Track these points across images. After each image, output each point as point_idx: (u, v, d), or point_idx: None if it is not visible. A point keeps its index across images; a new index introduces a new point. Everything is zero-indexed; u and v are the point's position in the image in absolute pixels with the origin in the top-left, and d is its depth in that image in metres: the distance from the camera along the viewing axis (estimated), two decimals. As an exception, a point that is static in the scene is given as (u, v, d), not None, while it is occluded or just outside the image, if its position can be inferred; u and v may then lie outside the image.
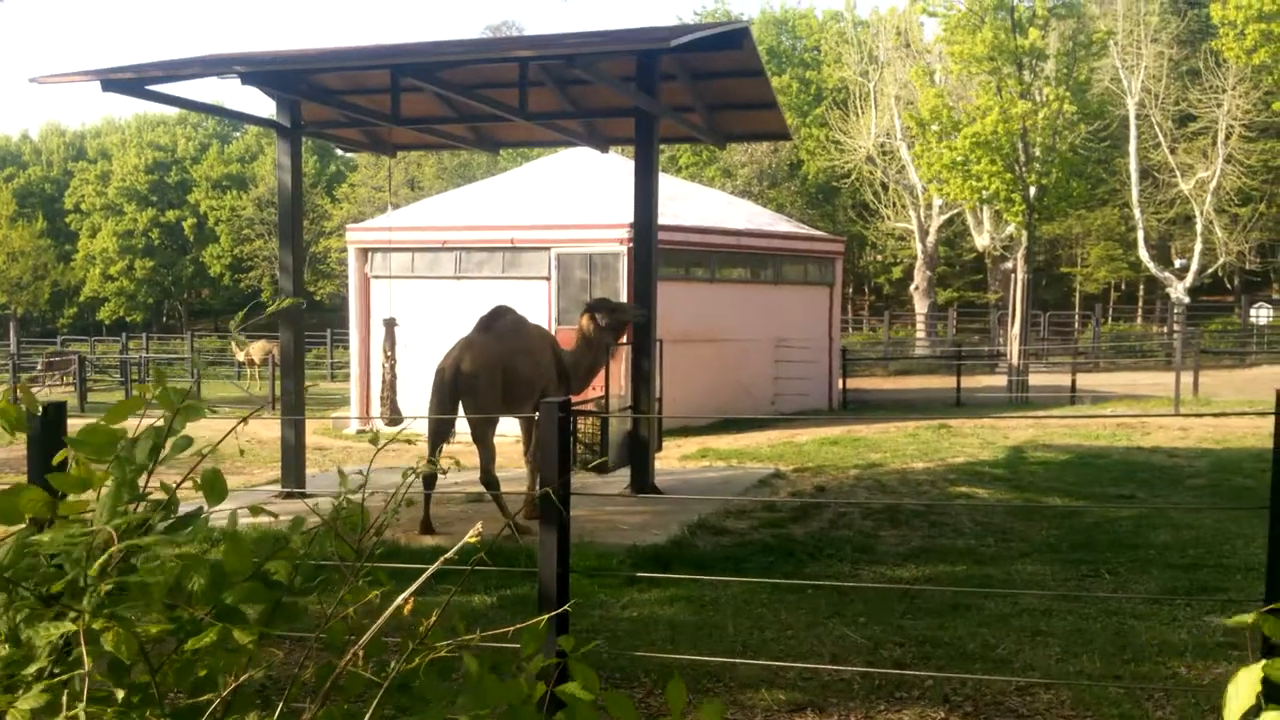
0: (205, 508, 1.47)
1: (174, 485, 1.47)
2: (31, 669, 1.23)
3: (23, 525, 1.39)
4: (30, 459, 3.50)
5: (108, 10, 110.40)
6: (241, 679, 1.32)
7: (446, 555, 1.49)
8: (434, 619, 1.39)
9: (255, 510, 1.57)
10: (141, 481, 1.44)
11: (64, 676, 1.24)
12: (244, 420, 1.76)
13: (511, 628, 1.49)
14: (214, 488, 1.45)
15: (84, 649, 1.20)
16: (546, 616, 1.55)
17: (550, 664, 1.50)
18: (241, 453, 12.37)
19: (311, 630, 1.47)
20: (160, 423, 1.47)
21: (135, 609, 1.28)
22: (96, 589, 1.25)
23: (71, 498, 1.41)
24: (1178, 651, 5.17)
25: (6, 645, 1.26)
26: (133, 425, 1.52)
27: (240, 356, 30.63)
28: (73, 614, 1.25)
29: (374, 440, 1.73)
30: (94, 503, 1.41)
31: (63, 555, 1.30)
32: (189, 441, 1.47)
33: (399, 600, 1.39)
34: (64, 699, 1.19)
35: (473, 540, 1.48)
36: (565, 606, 3.16)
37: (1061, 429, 14.82)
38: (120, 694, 1.28)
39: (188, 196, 55.62)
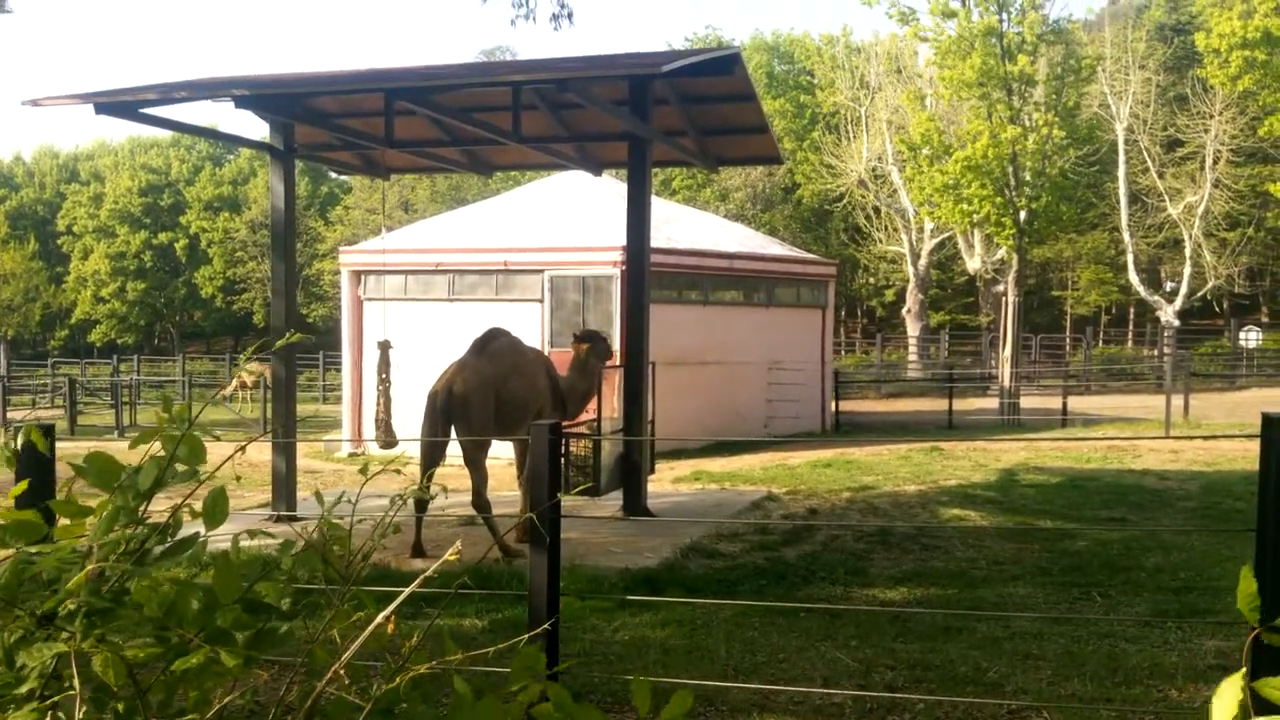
0: (202, 531, 1.48)
1: (175, 507, 1.48)
2: (23, 689, 1.23)
3: (17, 548, 1.40)
4: (18, 482, 3.49)
5: (101, 32, 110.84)
6: (225, 701, 1.33)
7: (425, 575, 1.50)
8: (415, 640, 1.39)
9: (253, 534, 1.58)
10: (142, 506, 1.45)
11: (55, 699, 1.25)
12: (241, 448, 1.77)
13: (492, 648, 1.50)
14: (214, 512, 1.46)
15: (74, 670, 1.21)
16: (533, 632, 1.55)
17: (537, 689, 1.50)
18: (238, 479, 12.32)
19: (297, 654, 1.48)
20: (162, 451, 1.48)
21: (126, 631, 1.29)
22: (111, 613, 1.25)
23: (66, 522, 1.42)
24: (1169, 674, 5.18)
25: (1, 666, 1.27)
26: (118, 447, 1.53)
27: (234, 384, 30.66)
28: (65, 634, 1.25)
29: (364, 471, 1.74)
30: (91, 525, 1.42)
31: (60, 578, 1.31)
32: (194, 474, 1.48)
33: (378, 620, 1.40)
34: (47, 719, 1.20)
35: (452, 558, 1.49)
36: (547, 625, 3.15)
37: (1053, 451, 14.85)
38: (108, 717, 1.29)
39: (180, 218, 55.63)
